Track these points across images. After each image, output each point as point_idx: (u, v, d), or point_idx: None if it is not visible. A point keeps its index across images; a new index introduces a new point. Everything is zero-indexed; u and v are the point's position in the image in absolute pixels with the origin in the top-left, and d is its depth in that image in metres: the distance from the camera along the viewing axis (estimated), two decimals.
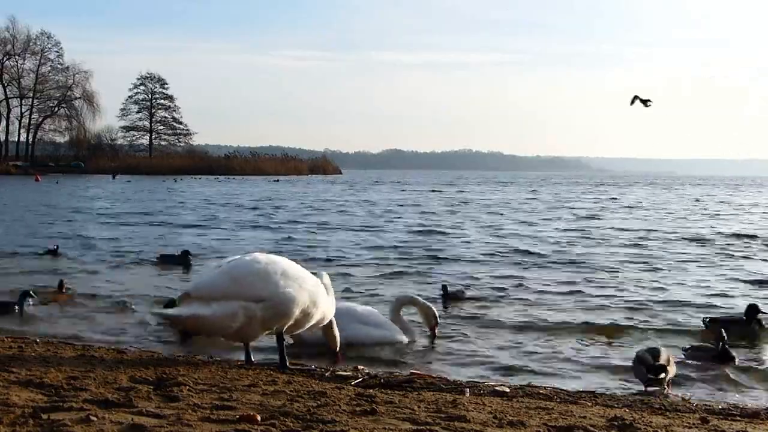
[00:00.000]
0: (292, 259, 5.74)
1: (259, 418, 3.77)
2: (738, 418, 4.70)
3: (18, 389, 4.24)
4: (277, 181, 68.60)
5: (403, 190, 51.91)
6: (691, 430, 4.14)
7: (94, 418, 3.60)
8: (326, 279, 5.86)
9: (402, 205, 32.44)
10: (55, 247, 13.25)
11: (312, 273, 5.82)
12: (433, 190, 51.37)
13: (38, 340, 6.40)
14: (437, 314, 7.34)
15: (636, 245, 16.13)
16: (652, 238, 17.72)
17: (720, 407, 5.12)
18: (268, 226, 20.70)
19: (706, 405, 5.18)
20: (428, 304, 7.40)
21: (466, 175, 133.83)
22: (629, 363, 6.41)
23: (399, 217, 24.66)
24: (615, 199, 41.16)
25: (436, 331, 7.31)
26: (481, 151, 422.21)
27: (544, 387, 5.57)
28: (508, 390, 5.27)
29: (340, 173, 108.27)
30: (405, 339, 7.06)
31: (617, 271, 12.01)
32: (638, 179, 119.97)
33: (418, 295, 7.74)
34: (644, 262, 13.13)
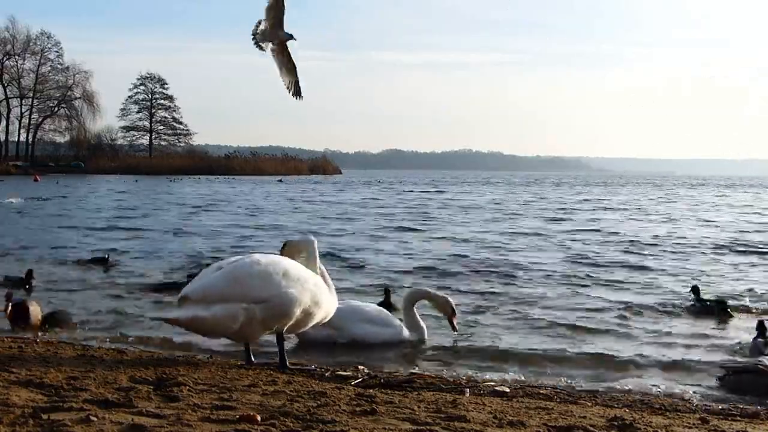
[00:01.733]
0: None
1: (259, 418, 3.77)
2: (738, 418, 4.71)
3: (18, 389, 4.24)
4: (281, 181, 68.58)
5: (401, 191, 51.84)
6: (691, 430, 4.14)
7: (94, 418, 3.60)
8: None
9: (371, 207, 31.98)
10: (106, 255, 11.95)
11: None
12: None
13: (38, 340, 6.40)
14: (453, 304, 7.29)
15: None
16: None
17: (720, 407, 5.12)
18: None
19: (706, 405, 5.18)
20: (443, 294, 7.36)
21: (464, 175, 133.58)
22: (637, 361, 6.44)
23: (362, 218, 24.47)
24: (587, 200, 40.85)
25: (455, 321, 7.23)
26: (481, 151, 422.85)
27: (544, 387, 5.57)
28: (508, 390, 5.27)
29: (340, 173, 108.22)
30: (412, 337, 7.04)
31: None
32: (634, 179, 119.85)
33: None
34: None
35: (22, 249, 13.94)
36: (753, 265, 13.05)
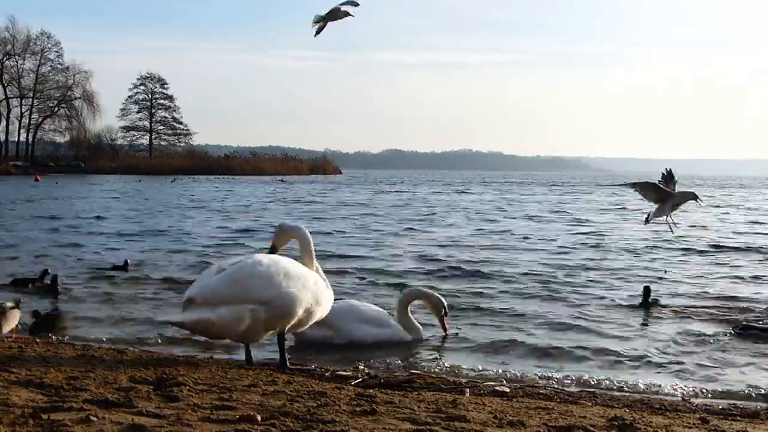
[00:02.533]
0: None
1: (259, 418, 3.77)
2: (738, 418, 4.71)
3: (18, 389, 4.24)
4: (282, 180, 68.60)
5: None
6: (691, 430, 4.14)
7: (94, 418, 3.60)
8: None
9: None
10: (124, 262, 11.35)
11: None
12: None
13: (38, 340, 6.40)
14: (446, 304, 7.29)
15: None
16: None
17: (720, 407, 5.12)
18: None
19: (706, 405, 5.18)
20: (437, 294, 7.35)
21: (462, 175, 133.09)
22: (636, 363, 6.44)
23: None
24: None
25: (447, 322, 7.26)
26: (481, 151, 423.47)
27: (544, 387, 5.57)
28: (508, 390, 5.27)
29: (340, 173, 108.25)
30: (409, 337, 7.04)
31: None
32: (635, 179, 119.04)
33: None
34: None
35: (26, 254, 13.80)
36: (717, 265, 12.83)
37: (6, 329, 6.43)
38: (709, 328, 7.79)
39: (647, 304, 8.88)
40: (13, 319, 6.56)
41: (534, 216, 26.23)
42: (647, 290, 9.06)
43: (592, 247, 15.80)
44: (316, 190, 48.50)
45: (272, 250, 6.04)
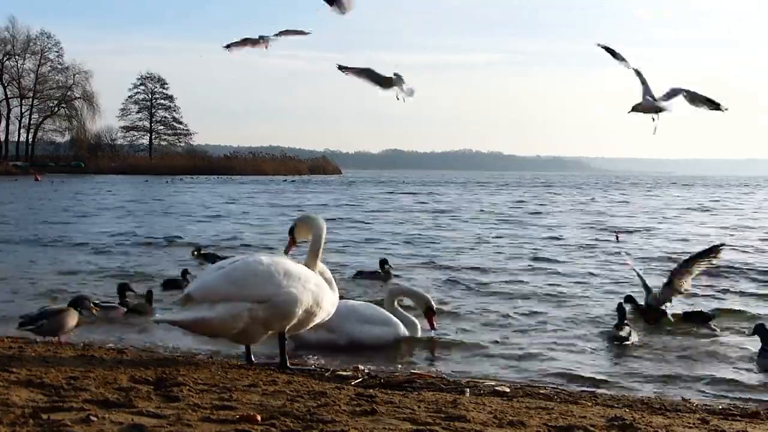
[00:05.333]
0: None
1: (259, 418, 3.77)
2: (738, 418, 4.71)
3: (18, 389, 4.24)
4: (285, 180, 68.57)
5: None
6: (691, 430, 4.14)
7: (94, 418, 3.60)
8: (327, 273, 5.83)
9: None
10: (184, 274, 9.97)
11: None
12: None
13: (38, 340, 6.40)
14: (432, 302, 7.27)
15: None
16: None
17: (720, 407, 5.13)
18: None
19: (706, 405, 5.19)
20: (421, 292, 7.36)
21: (458, 175, 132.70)
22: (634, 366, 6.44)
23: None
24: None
25: (435, 321, 7.24)
26: (481, 151, 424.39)
27: (544, 387, 5.58)
28: (508, 390, 5.27)
29: (340, 173, 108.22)
30: (407, 333, 7.04)
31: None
32: (632, 179, 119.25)
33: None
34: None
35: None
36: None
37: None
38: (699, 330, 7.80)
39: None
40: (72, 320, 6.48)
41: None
42: (630, 299, 8.47)
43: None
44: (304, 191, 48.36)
45: (290, 243, 6.00)
